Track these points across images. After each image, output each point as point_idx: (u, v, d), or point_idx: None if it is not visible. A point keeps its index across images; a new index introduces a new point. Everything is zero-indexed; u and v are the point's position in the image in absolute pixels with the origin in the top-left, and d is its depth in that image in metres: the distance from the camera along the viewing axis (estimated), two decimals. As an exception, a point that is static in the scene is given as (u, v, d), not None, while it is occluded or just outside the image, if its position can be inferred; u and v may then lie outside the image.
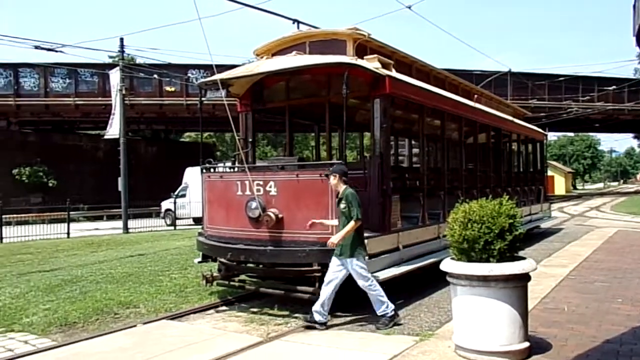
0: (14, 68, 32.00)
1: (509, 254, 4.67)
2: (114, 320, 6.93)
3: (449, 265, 4.78)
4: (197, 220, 25.03)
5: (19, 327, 6.66)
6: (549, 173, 36.45)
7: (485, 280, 4.51)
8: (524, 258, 4.76)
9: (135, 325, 6.57)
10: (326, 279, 6.18)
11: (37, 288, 8.82)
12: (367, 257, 6.35)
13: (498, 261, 4.57)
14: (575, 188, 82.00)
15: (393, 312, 6.20)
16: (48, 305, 7.60)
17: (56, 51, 20.01)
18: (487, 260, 4.60)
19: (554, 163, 69.28)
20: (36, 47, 19.39)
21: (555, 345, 4.91)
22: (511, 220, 4.69)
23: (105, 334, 6.25)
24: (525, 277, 4.66)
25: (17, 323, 6.82)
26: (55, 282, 9.28)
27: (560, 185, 63.61)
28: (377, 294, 6.17)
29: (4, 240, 19.31)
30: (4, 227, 20.15)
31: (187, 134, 51.72)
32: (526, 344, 4.59)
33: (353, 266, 6.07)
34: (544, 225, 16.92)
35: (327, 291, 6.12)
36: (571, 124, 42.57)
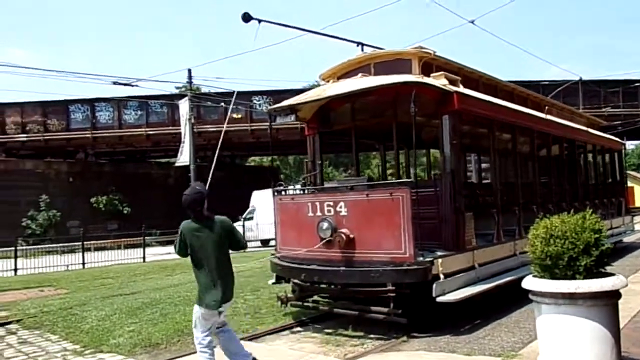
0: (91, 103, 34.13)
1: (596, 270, 4.48)
2: (194, 342, 7.12)
3: (531, 282, 4.62)
4: (265, 243, 25.48)
5: (107, 348, 6.99)
6: (629, 184, 34.49)
7: (571, 297, 4.33)
8: (612, 274, 4.54)
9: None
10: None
11: (120, 310, 9.23)
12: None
13: (584, 278, 4.37)
14: (657, 199, 77.03)
15: None
16: (132, 327, 7.94)
17: (132, 85, 21.14)
18: (573, 277, 4.41)
19: (634, 173, 65.39)
20: (114, 83, 20.58)
21: (652, 367, 4.63)
22: (597, 235, 4.50)
23: (188, 354, 6.45)
24: (615, 294, 4.43)
25: (105, 344, 7.16)
26: (136, 305, 9.67)
27: (641, 197, 59.99)
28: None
29: (86, 266, 20.39)
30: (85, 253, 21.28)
31: (252, 158, 52.81)
32: (620, 365, 4.36)
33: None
34: (627, 239, 15.99)
35: None
36: (650, 131, 40.14)
